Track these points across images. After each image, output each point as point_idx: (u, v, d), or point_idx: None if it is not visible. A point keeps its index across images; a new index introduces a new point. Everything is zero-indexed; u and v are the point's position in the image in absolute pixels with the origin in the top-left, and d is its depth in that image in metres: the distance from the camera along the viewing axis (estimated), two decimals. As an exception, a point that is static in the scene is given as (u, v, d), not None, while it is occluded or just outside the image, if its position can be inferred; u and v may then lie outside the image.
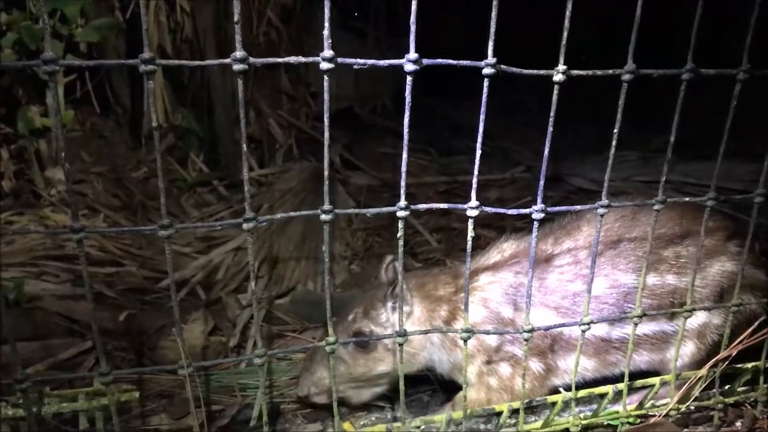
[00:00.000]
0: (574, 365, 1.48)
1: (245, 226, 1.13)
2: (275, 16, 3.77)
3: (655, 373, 1.70)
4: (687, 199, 1.42)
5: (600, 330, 1.65)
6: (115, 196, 3.20)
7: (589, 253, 1.63)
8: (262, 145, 3.65)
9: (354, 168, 3.78)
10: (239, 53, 1.01)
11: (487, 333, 1.59)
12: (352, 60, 1.08)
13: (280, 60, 1.06)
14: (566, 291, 1.64)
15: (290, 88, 3.81)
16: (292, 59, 1.05)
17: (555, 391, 1.61)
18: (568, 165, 3.83)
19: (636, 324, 1.46)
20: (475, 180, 1.24)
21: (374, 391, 1.76)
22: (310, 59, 1.06)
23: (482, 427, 1.66)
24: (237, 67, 1.02)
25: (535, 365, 1.64)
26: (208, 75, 3.40)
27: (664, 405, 1.58)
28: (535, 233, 1.30)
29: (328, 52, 1.04)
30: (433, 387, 1.99)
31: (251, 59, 1.02)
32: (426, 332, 1.52)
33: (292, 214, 1.16)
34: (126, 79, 3.39)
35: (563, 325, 1.51)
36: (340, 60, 1.05)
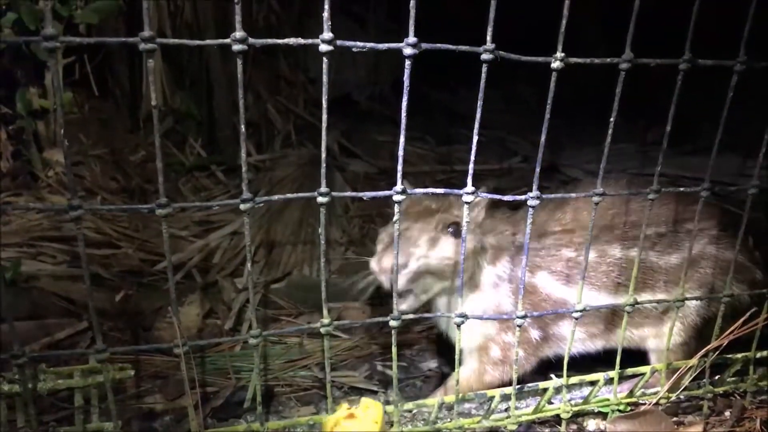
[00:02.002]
0: (568, 342, 1.49)
1: (242, 206, 1.13)
2: (276, 1, 3.76)
3: (642, 359, 1.73)
4: (681, 189, 1.43)
5: (592, 299, 1.69)
6: (113, 179, 3.20)
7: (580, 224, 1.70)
8: (260, 131, 3.65)
9: (352, 155, 3.78)
10: (239, 33, 1.02)
11: (480, 318, 1.60)
12: (352, 43, 1.08)
13: (279, 41, 1.06)
14: (561, 256, 1.70)
15: (289, 73, 3.81)
16: (292, 41, 1.06)
17: (546, 376, 1.63)
18: (564, 156, 3.84)
19: (628, 312, 1.47)
20: (471, 165, 1.25)
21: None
22: (309, 41, 1.06)
23: (473, 412, 1.67)
24: (236, 47, 1.02)
25: (534, 333, 1.68)
26: (207, 59, 3.40)
27: (655, 393, 1.59)
28: (530, 220, 1.31)
29: (327, 34, 1.05)
30: (424, 374, 2.01)
31: (251, 40, 1.02)
32: (420, 318, 1.53)
33: (290, 195, 1.16)
34: (125, 62, 3.39)
35: (556, 312, 1.52)
36: (339, 42, 1.06)
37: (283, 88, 3.83)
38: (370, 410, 1.12)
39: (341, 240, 2.91)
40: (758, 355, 1.63)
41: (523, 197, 1.29)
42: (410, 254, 1.55)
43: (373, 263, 1.58)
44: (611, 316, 1.72)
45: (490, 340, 1.70)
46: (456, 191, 1.26)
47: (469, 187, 1.25)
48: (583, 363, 1.89)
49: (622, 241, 1.71)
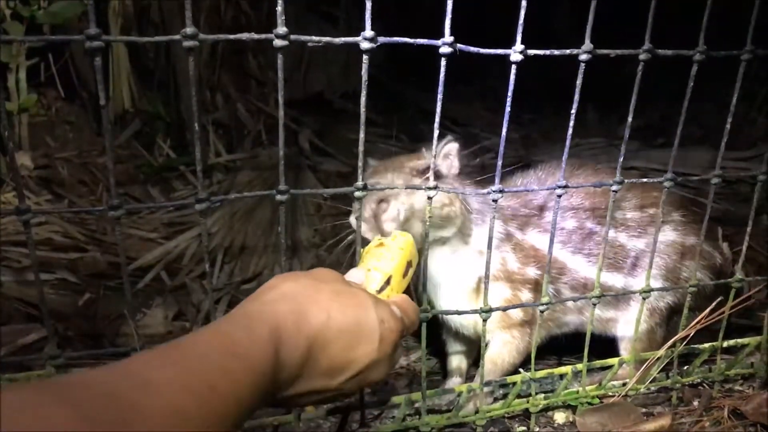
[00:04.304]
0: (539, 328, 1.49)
1: (197, 207, 1.11)
2: (245, 2, 3.73)
3: (610, 350, 1.73)
4: (645, 179, 1.43)
5: (568, 260, 1.71)
6: (81, 181, 3.15)
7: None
8: (231, 131, 3.61)
9: (324, 154, 3.75)
10: (189, 29, 0.99)
11: (442, 313, 1.59)
12: (307, 37, 1.06)
13: (231, 36, 1.04)
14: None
15: (259, 73, 3.77)
16: (245, 36, 1.04)
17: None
18: (538, 152, 3.84)
19: (594, 305, 1.47)
20: (432, 160, 1.24)
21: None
22: (263, 36, 1.04)
23: (444, 408, 1.66)
24: (187, 43, 1.00)
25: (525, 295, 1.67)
26: (174, 59, 3.36)
27: (623, 385, 1.60)
28: (494, 214, 1.31)
29: (281, 29, 1.03)
30: (396, 370, 1.99)
31: (201, 35, 1.00)
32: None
33: (246, 194, 1.14)
34: (91, 64, 3.34)
35: (522, 305, 1.52)
36: (293, 37, 1.04)
37: (254, 88, 3.79)
38: (398, 239, 1.20)
39: (314, 239, 2.88)
40: (725, 344, 1.65)
41: (485, 191, 1.28)
42: (389, 202, 1.44)
43: (352, 218, 1.44)
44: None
45: (509, 302, 1.65)
46: (417, 186, 1.25)
47: (431, 182, 1.24)
48: (552, 354, 1.90)
49: (597, 217, 1.73)
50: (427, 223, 1.26)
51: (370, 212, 1.41)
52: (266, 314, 0.86)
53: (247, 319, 0.85)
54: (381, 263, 1.14)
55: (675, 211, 1.76)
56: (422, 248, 1.30)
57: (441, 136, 1.27)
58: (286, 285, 0.94)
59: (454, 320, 1.70)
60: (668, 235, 1.73)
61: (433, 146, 1.23)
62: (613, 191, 1.36)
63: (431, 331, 1.40)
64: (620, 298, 1.73)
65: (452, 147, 1.59)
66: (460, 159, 1.62)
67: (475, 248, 1.62)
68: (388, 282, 1.11)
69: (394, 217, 1.42)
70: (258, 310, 0.88)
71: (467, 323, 1.68)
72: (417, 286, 1.49)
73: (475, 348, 1.81)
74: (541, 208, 1.71)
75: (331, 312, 0.91)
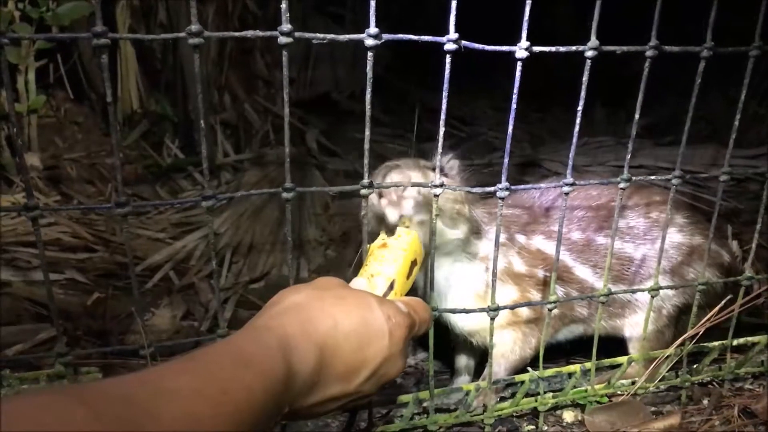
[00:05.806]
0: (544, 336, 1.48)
1: (204, 204, 1.11)
2: (252, 2, 3.74)
3: (619, 349, 1.73)
4: (652, 177, 1.43)
5: (573, 267, 1.70)
6: (89, 182, 3.17)
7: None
8: (238, 131, 3.62)
9: (331, 154, 3.75)
10: (194, 27, 1.00)
11: (450, 311, 1.58)
12: (311, 35, 1.06)
13: (236, 34, 1.04)
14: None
15: (267, 73, 3.78)
16: (249, 33, 1.04)
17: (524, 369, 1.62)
18: (545, 150, 3.83)
19: (603, 303, 1.46)
20: (438, 158, 1.23)
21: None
22: (268, 33, 1.04)
23: (452, 407, 1.66)
24: (192, 41, 1.00)
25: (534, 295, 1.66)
26: (181, 60, 3.37)
27: (632, 383, 1.59)
28: (500, 212, 1.30)
29: (285, 26, 1.03)
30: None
31: (206, 33, 1.00)
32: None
33: (253, 192, 1.14)
34: (98, 63, 3.35)
35: (529, 304, 1.52)
36: (297, 34, 1.04)
37: (261, 88, 3.80)
38: (401, 238, 1.20)
39: (321, 239, 2.89)
40: (735, 342, 1.64)
41: (492, 188, 1.28)
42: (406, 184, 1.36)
43: (374, 196, 1.43)
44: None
45: (517, 302, 1.63)
46: (422, 184, 1.25)
47: (437, 180, 1.23)
48: (561, 353, 1.89)
49: (602, 229, 1.72)
50: (434, 221, 1.26)
51: (394, 195, 1.32)
52: (273, 326, 0.89)
53: (255, 332, 0.88)
54: (383, 267, 1.15)
55: (678, 212, 1.75)
56: (429, 250, 1.30)
57: (447, 136, 1.27)
58: (289, 298, 0.96)
59: (463, 329, 1.69)
60: (673, 237, 1.73)
61: (438, 144, 1.22)
62: (621, 189, 1.35)
63: (438, 331, 1.40)
64: (626, 305, 1.73)
65: (453, 164, 1.60)
66: (461, 175, 1.61)
67: (482, 262, 1.62)
68: (391, 287, 1.12)
69: (414, 197, 1.33)
70: (265, 324, 0.90)
71: (476, 330, 1.67)
72: (425, 290, 1.48)
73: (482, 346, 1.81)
74: (547, 215, 1.72)
75: (337, 317, 0.93)
